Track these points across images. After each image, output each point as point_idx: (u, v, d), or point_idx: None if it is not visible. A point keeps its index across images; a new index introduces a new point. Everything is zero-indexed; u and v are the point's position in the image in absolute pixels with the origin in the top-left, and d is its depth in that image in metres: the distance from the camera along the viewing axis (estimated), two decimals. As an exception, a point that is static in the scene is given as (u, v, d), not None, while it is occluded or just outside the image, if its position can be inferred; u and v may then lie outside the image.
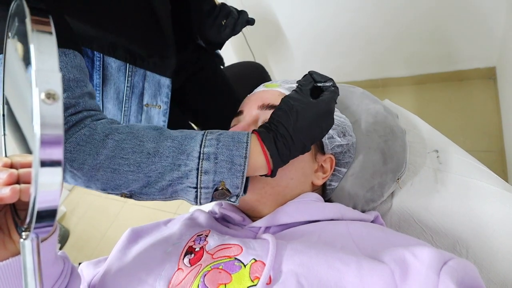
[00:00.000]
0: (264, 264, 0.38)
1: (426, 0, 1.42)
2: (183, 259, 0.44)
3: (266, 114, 0.56)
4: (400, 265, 0.36)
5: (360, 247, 0.42)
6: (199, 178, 0.40)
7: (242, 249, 0.42)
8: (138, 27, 0.64)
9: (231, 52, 1.92)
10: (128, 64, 0.65)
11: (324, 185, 0.61)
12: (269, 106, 0.56)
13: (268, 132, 0.43)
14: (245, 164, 0.41)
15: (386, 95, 1.62)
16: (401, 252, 0.38)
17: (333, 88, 0.48)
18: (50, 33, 0.24)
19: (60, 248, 1.85)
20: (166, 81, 0.72)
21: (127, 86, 0.66)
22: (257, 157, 0.42)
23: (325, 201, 0.58)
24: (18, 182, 0.29)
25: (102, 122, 0.43)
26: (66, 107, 0.41)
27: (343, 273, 0.36)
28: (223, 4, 0.75)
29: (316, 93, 0.49)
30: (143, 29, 0.64)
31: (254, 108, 0.57)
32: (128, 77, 0.66)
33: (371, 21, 1.58)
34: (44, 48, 0.23)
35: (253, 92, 0.65)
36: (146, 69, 0.68)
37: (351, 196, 0.59)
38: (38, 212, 0.24)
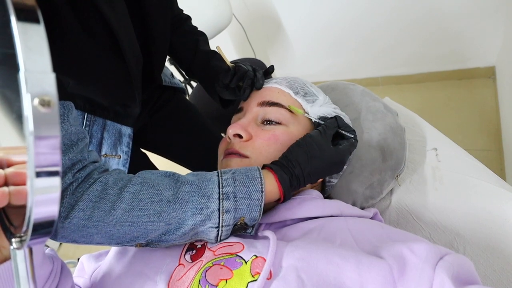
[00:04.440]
0: (265, 260, 0.39)
1: (427, 0, 1.42)
2: (184, 255, 0.45)
3: (266, 111, 0.56)
4: (398, 261, 0.37)
5: (359, 243, 0.42)
6: (221, 218, 0.41)
7: (243, 247, 0.42)
8: (106, 78, 0.60)
9: (232, 49, 1.91)
10: (86, 114, 0.62)
11: (323, 182, 0.61)
12: (269, 103, 0.56)
13: (284, 172, 0.46)
14: (262, 198, 0.43)
15: (386, 93, 1.62)
16: (399, 247, 0.38)
17: (353, 140, 0.52)
18: (38, 22, 0.20)
19: (60, 244, 1.86)
20: (127, 130, 0.69)
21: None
22: (271, 190, 0.46)
23: (325, 198, 0.58)
24: (6, 183, 0.26)
25: (112, 174, 0.42)
26: (72, 163, 0.40)
27: (342, 268, 0.37)
28: (237, 67, 0.65)
29: (336, 137, 0.53)
30: (111, 80, 0.61)
31: (254, 105, 0.58)
32: (85, 127, 0.63)
33: (372, 19, 1.58)
34: (33, 44, 0.19)
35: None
36: (106, 118, 0.65)
37: (350, 193, 0.60)
38: (35, 225, 0.21)
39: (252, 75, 0.62)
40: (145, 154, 0.89)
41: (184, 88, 0.94)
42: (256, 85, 0.61)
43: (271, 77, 0.68)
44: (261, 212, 0.44)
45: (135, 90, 0.63)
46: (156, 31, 0.65)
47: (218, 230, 0.42)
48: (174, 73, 0.94)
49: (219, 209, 0.41)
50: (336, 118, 0.53)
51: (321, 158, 0.48)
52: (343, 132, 0.53)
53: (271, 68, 0.67)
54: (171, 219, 0.40)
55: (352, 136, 0.53)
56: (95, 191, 0.39)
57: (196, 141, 0.85)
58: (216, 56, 0.71)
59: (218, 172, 0.44)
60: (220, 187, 0.42)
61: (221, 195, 0.41)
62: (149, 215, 0.40)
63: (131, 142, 0.70)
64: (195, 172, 0.45)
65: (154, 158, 0.91)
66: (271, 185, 0.45)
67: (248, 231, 0.47)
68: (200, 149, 0.84)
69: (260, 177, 0.44)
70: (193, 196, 0.41)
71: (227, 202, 0.41)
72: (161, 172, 0.44)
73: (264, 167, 0.48)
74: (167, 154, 0.91)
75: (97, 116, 0.64)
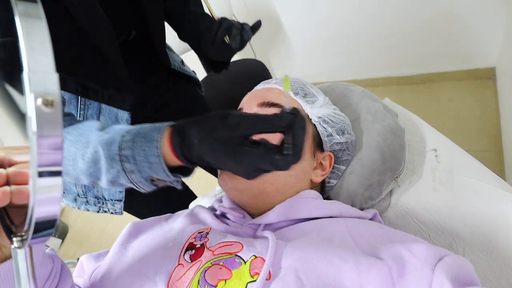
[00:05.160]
0: (264, 260, 0.39)
1: (427, 1, 1.42)
2: (183, 255, 0.45)
3: (266, 112, 0.56)
4: (397, 262, 0.37)
5: (358, 244, 0.42)
6: (129, 177, 0.42)
7: (242, 246, 0.42)
8: (84, 62, 0.58)
9: (232, 50, 1.91)
10: (80, 97, 0.61)
11: (323, 182, 0.61)
12: (269, 104, 0.56)
13: (178, 137, 0.39)
14: (160, 161, 0.40)
15: (386, 94, 1.62)
16: (398, 248, 0.38)
17: (262, 151, 0.35)
18: (40, 19, 0.20)
19: (60, 244, 1.86)
20: (124, 115, 0.66)
21: (79, 120, 0.63)
22: (168, 153, 0.40)
23: (324, 198, 0.58)
24: (7, 183, 0.26)
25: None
26: None
27: (342, 269, 0.37)
28: (222, 19, 0.64)
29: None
30: (90, 64, 0.59)
31: (254, 106, 0.58)
32: (80, 111, 0.62)
33: (372, 20, 1.58)
34: (37, 44, 0.20)
35: (253, 90, 0.65)
36: (101, 102, 0.63)
37: (349, 194, 0.60)
38: (36, 224, 0.21)
39: (239, 26, 0.60)
40: None
41: (197, 78, 0.88)
42: (244, 36, 0.59)
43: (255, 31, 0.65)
44: (167, 172, 0.40)
45: (121, 76, 0.61)
46: (150, 8, 0.62)
47: (134, 185, 0.43)
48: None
49: (123, 170, 0.41)
50: (296, 117, 0.35)
51: (214, 148, 0.36)
52: (285, 142, 0.35)
53: (258, 23, 0.64)
54: (91, 174, 0.43)
55: (287, 153, 0.34)
56: None
57: None
58: (207, 18, 0.67)
59: (124, 132, 0.42)
60: (120, 149, 0.41)
61: (121, 157, 0.41)
62: (74, 168, 0.44)
63: None
64: (117, 128, 0.44)
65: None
66: (166, 148, 0.40)
67: (175, 184, 0.44)
68: None
69: (157, 140, 0.39)
70: (101, 157, 0.42)
71: (127, 164, 0.41)
72: (90, 127, 0.45)
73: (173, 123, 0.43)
74: None
75: (91, 99, 0.62)
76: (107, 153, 0.41)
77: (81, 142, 0.43)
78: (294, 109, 0.35)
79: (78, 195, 0.70)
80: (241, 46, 0.64)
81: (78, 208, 0.71)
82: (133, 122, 0.70)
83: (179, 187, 0.44)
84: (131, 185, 0.44)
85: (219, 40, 0.62)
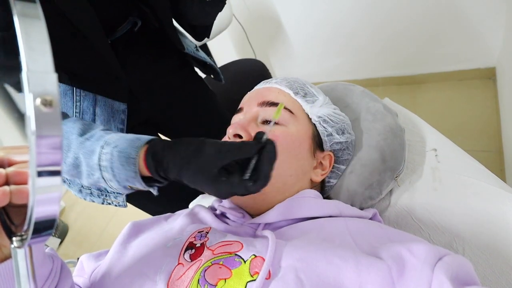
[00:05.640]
0: (264, 260, 0.39)
1: (427, 0, 1.42)
2: (183, 254, 0.45)
3: (266, 111, 0.56)
4: (397, 262, 0.37)
5: (358, 243, 0.42)
6: (108, 184, 0.45)
7: (242, 246, 0.42)
8: (77, 55, 0.58)
9: (232, 49, 1.92)
10: (75, 89, 0.61)
11: (323, 182, 0.61)
12: (269, 103, 0.56)
13: (152, 160, 0.42)
14: (137, 176, 0.43)
15: (386, 93, 1.62)
16: (398, 248, 0.38)
17: (250, 185, 0.38)
18: (39, 18, 0.20)
19: (60, 244, 1.86)
20: (120, 106, 0.66)
21: (75, 112, 0.62)
22: (145, 171, 0.43)
23: (324, 198, 0.58)
24: (7, 182, 0.26)
25: None
26: None
27: (342, 268, 0.37)
28: None
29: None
30: (79, 54, 0.59)
31: (254, 105, 0.58)
32: (76, 102, 0.62)
33: (372, 19, 1.58)
34: (36, 44, 0.20)
35: (253, 89, 0.65)
36: (96, 93, 0.63)
37: (349, 193, 0.60)
38: (36, 223, 0.21)
39: None
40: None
41: (214, 64, 0.85)
42: None
43: None
44: (143, 183, 0.43)
45: (112, 66, 0.60)
46: None
47: (115, 192, 0.46)
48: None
49: (103, 178, 0.44)
50: (266, 146, 0.39)
51: (194, 175, 0.39)
52: (251, 166, 0.39)
53: None
54: (72, 175, 0.46)
55: (251, 180, 0.38)
56: None
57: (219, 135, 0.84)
58: None
59: (104, 143, 0.44)
60: (100, 160, 0.44)
61: (101, 167, 0.44)
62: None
63: (125, 119, 0.67)
64: (96, 136, 0.46)
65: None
66: (142, 166, 0.43)
67: (153, 190, 0.47)
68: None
69: (135, 158, 0.42)
70: (82, 163, 0.45)
71: (106, 173, 0.44)
72: (71, 130, 0.47)
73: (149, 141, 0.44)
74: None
75: (86, 91, 0.62)
76: (87, 161, 0.44)
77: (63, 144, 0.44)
78: (268, 140, 0.40)
79: (82, 186, 0.70)
80: (219, 6, 0.67)
81: (84, 199, 0.71)
82: (140, 109, 0.71)
83: (155, 193, 0.48)
84: (110, 189, 0.47)
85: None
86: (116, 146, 0.44)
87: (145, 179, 0.44)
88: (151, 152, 0.42)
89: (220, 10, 0.69)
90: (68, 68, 0.59)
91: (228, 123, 0.85)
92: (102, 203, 0.73)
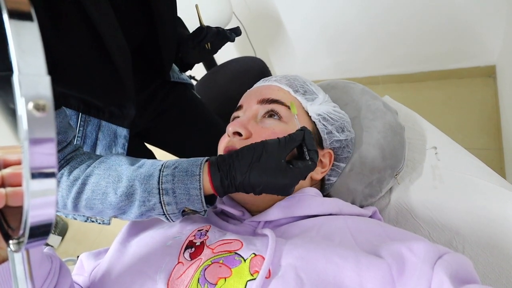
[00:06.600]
0: (264, 258, 0.39)
1: (428, -3, 1.42)
2: (183, 253, 0.45)
3: (266, 109, 0.56)
4: (396, 260, 0.37)
5: (358, 241, 0.42)
6: (164, 208, 0.44)
7: (242, 244, 0.42)
8: (94, 78, 0.58)
9: (232, 47, 1.91)
10: (80, 114, 0.61)
11: (322, 180, 0.61)
12: (269, 101, 0.56)
13: (218, 171, 0.44)
14: (201, 194, 0.44)
15: (386, 91, 1.62)
16: (398, 247, 0.38)
17: (309, 163, 0.45)
18: (31, 19, 0.19)
19: (60, 242, 1.86)
20: (123, 132, 0.67)
21: (78, 136, 0.63)
22: (206, 186, 0.44)
23: (324, 196, 0.58)
24: (3, 185, 0.26)
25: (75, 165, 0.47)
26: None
27: (342, 267, 0.37)
28: (208, 27, 0.70)
29: (298, 152, 0.48)
30: (100, 80, 0.59)
31: (254, 103, 0.58)
32: (79, 127, 0.63)
33: (372, 18, 1.58)
34: (27, 45, 0.18)
35: (253, 87, 0.65)
36: (101, 119, 0.64)
37: (349, 191, 0.60)
38: (32, 228, 0.21)
39: (223, 32, 0.70)
40: (151, 151, 0.88)
41: (192, 83, 0.92)
42: (230, 38, 0.70)
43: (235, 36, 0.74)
44: (203, 203, 0.45)
45: (127, 89, 0.61)
46: (163, 26, 0.63)
47: (167, 217, 0.46)
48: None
49: (160, 202, 0.44)
50: (304, 131, 0.46)
51: (264, 171, 0.42)
52: (305, 150, 0.46)
53: (239, 31, 0.73)
54: (120, 208, 0.45)
55: (309, 158, 0.45)
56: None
57: (208, 140, 0.84)
58: (180, 23, 0.74)
59: (161, 167, 0.45)
60: (160, 183, 0.44)
61: (160, 190, 0.44)
62: (101, 202, 0.45)
63: (126, 144, 0.69)
64: (149, 163, 0.47)
65: (159, 153, 0.90)
66: (206, 181, 0.44)
67: (201, 213, 0.47)
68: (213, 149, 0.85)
69: (199, 175, 0.44)
70: (137, 191, 0.44)
71: (166, 197, 0.44)
72: (117, 162, 0.47)
73: (209, 158, 0.47)
74: (177, 152, 0.90)
75: (92, 116, 0.63)
76: (145, 187, 0.44)
77: (112, 176, 0.45)
78: (302, 127, 0.48)
79: None
80: (216, 51, 0.74)
81: (66, 216, 0.69)
82: (132, 133, 0.71)
83: (205, 215, 0.48)
84: (160, 217, 0.46)
85: (202, 46, 0.70)
86: (176, 167, 0.45)
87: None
88: (215, 163, 0.45)
89: (215, 53, 0.75)
90: (78, 92, 0.59)
91: (217, 127, 0.85)
92: (85, 221, 0.73)
